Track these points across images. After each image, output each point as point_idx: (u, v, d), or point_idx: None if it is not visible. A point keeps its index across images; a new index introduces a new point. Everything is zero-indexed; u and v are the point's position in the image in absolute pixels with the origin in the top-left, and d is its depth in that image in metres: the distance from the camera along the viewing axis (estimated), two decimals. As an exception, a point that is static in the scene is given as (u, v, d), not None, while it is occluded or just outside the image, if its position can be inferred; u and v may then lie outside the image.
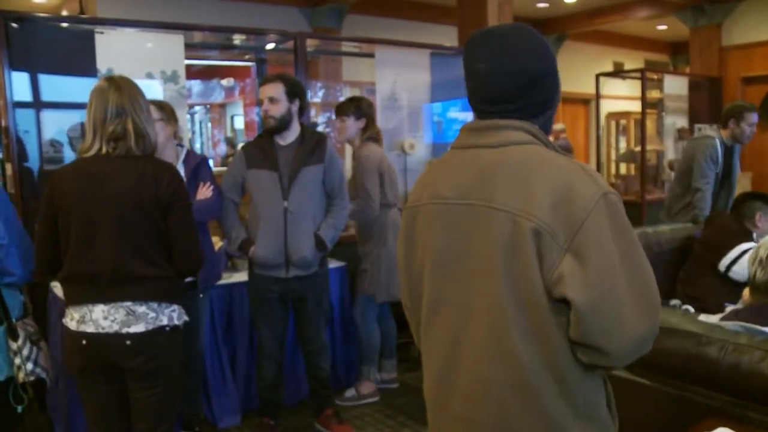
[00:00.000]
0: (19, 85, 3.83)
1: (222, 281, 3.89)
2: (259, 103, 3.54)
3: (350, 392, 4.21)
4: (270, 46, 5.63)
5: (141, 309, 2.33)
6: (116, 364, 2.35)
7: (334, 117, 4.19)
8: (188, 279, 3.33)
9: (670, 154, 8.07)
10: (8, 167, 4.02)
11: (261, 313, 3.59)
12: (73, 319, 2.35)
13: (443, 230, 1.44)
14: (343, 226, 3.64)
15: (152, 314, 2.34)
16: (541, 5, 9.56)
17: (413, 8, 8.86)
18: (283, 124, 3.46)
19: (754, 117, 4.87)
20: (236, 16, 7.32)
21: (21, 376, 2.41)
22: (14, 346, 2.37)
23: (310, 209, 3.50)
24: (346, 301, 4.36)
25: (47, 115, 3.99)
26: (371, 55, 5.22)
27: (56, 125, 4.00)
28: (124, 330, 2.31)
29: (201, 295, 3.51)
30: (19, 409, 2.56)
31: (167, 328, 2.38)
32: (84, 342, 2.32)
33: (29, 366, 2.40)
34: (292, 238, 3.44)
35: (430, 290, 1.49)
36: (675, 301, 3.65)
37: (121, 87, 2.36)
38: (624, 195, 7.40)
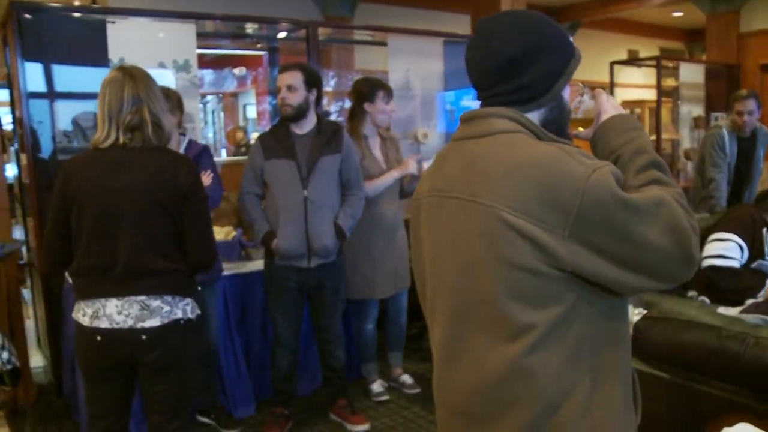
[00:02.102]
0: (33, 75, 3.83)
1: (236, 271, 3.90)
2: (277, 90, 3.52)
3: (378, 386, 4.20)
4: (282, 34, 5.61)
5: (155, 303, 2.30)
6: (130, 360, 2.34)
7: (387, 101, 3.98)
8: None
9: (686, 143, 8.01)
10: (23, 157, 4.03)
11: (277, 303, 3.58)
12: (86, 315, 2.31)
13: (438, 223, 1.43)
14: (359, 215, 3.62)
15: (167, 308, 2.32)
16: (556, -8, 9.48)
17: (426, -4, 8.80)
18: (299, 113, 3.44)
19: (742, 105, 4.81)
20: (248, 4, 7.28)
21: None
22: None
23: (329, 198, 3.50)
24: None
25: (60, 106, 3.99)
26: (384, 44, 5.19)
27: (69, 115, 4.00)
28: (139, 325, 2.28)
29: (199, 288, 3.44)
30: None
31: (182, 322, 2.36)
32: (99, 338, 2.29)
33: (4, 355, 2.37)
34: (313, 227, 3.43)
35: (430, 285, 1.48)
36: (692, 293, 3.61)
37: (135, 76, 2.33)
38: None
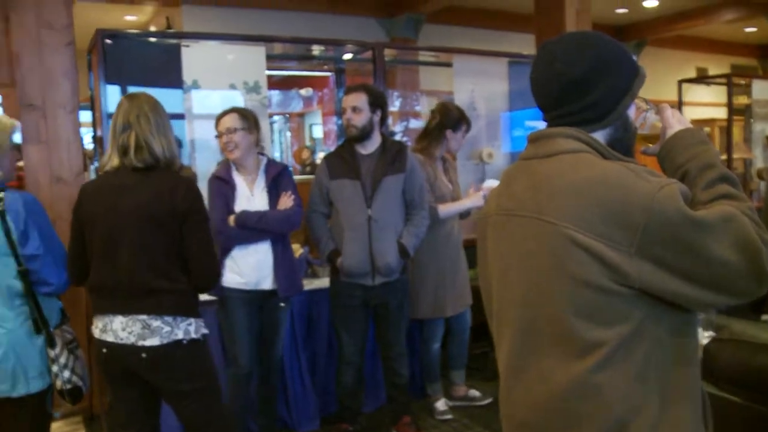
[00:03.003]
0: (112, 97, 4.00)
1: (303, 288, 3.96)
2: (342, 111, 3.61)
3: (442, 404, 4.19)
4: (348, 56, 5.70)
5: (156, 323, 2.36)
6: (137, 374, 2.42)
7: (465, 135, 4.21)
8: (268, 288, 3.38)
9: (759, 163, 7.77)
10: (101, 176, 4.19)
11: (343, 320, 3.63)
12: (97, 328, 2.43)
13: (505, 241, 1.45)
14: (423, 234, 3.65)
15: (167, 328, 2.37)
16: (621, 11, 9.39)
17: (490, 17, 8.85)
18: (364, 134, 3.51)
19: None
20: (316, 27, 7.48)
21: (58, 384, 2.50)
22: (51, 353, 2.46)
23: (393, 217, 3.55)
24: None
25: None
26: (448, 65, 5.23)
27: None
28: (140, 343, 2.36)
29: (282, 304, 3.49)
30: (57, 414, 2.65)
31: (184, 342, 2.40)
32: (104, 350, 2.41)
33: (66, 374, 2.48)
34: (377, 246, 3.49)
35: (497, 302, 1.50)
36: (766, 317, 3.51)
37: (132, 101, 2.44)
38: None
